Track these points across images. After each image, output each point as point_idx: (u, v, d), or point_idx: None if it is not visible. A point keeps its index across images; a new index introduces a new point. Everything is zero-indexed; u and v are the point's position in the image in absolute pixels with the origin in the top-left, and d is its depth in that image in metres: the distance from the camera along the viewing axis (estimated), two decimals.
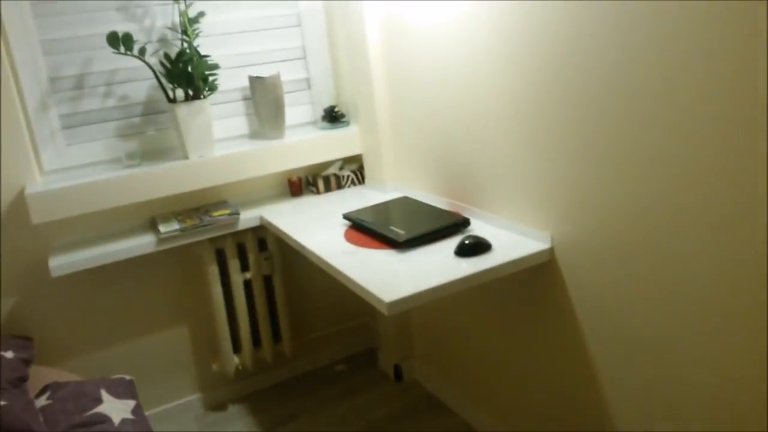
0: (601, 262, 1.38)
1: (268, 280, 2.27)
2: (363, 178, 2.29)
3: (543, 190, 1.50)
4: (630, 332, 1.35)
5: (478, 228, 1.70)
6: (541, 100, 1.44)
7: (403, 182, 2.11)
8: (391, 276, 1.44)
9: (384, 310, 1.34)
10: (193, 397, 2.29)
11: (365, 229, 1.75)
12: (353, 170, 2.28)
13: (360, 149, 2.24)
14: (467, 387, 2.05)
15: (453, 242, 1.61)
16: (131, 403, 1.69)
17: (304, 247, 1.73)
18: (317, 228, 1.85)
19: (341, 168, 2.31)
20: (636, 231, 1.28)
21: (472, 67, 1.64)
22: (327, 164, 2.33)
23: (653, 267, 1.26)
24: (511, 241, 1.58)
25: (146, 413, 2.20)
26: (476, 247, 1.51)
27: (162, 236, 1.93)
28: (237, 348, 2.27)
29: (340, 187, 2.26)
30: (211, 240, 2.11)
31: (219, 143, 2.19)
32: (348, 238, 1.73)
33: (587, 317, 1.47)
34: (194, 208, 2.14)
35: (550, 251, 1.52)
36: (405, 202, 1.91)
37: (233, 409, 2.31)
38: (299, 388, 2.40)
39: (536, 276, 1.59)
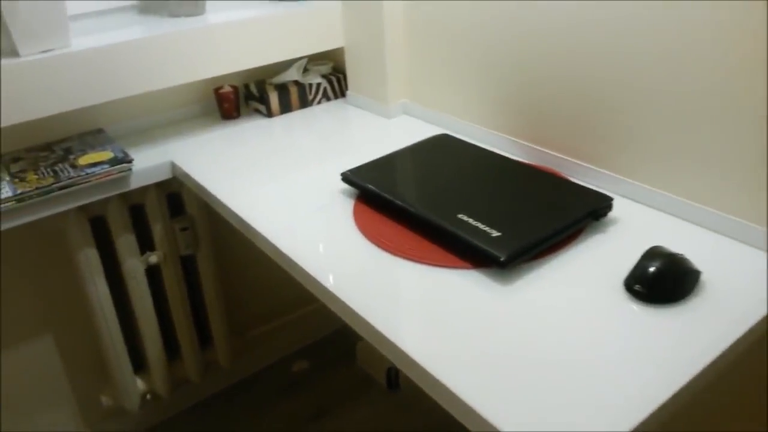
0: None
1: (188, 261, 1.38)
2: (342, 90, 1.38)
3: None
4: None
5: (623, 215, 0.89)
6: None
7: (418, 99, 1.23)
8: (509, 366, 0.62)
9: None
10: None
11: (398, 210, 0.89)
12: (326, 75, 1.36)
13: (341, 40, 1.31)
14: None
15: (587, 250, 0.80)
16: None
17: (283, 254, 0.86)
18: (288, 192, 0.97)
19: (306, 71, 1.37)
20: None
21: None
22: (282, 65, 1.39)
23: None
24: (724, 255, 0.78)
25: None
26: (681, 280, 0.71)
27: None
28: (141, 365, 1.41)
29: (306, 104, 1.34)
30: (83, 206, 1.18)
31: (81, 23, 1.19)
32: (362, 227, 0.87)
33: None
34: (45, 145, 1.17)
35: None
36: (451, 146, 1.04)
37: None
38: (240, 406, 1.59)
39: None
